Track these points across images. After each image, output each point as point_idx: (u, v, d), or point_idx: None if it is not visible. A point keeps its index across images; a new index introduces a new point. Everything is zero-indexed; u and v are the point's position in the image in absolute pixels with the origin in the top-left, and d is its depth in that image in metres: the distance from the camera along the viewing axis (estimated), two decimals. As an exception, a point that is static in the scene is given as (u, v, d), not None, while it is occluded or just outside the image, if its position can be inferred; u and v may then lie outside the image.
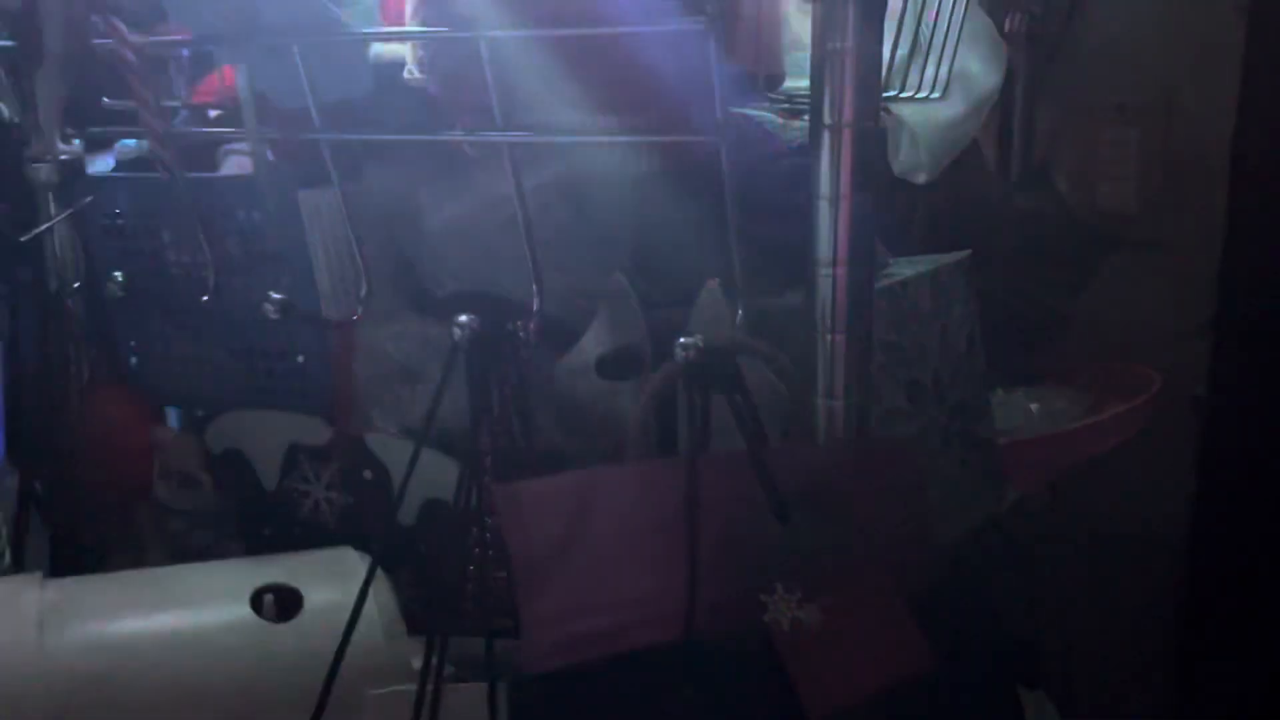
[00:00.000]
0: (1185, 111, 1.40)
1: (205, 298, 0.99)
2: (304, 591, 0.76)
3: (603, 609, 0.62)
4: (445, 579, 0.80)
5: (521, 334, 0.83)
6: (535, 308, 0.85)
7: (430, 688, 0.74)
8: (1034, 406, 1.02)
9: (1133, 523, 1.39)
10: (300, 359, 0.97)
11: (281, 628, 0.74)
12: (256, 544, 0.98)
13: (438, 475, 0.85)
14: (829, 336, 0.75)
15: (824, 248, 0.74)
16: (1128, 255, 1.34)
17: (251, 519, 0.99)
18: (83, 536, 1.04)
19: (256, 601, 0.75)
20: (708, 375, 0.75)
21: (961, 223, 1.11)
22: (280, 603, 0.76)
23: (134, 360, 1.06)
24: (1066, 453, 1.01)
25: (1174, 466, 1.39)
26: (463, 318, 0.76)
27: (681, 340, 0.72)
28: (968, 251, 0.93)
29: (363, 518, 0.92)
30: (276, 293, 0.88)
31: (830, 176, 0.73)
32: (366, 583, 0.71)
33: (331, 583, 0.78)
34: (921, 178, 1.01)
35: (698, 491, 0.65)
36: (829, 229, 0.73)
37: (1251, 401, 1.37)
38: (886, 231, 0.91)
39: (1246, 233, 1.40)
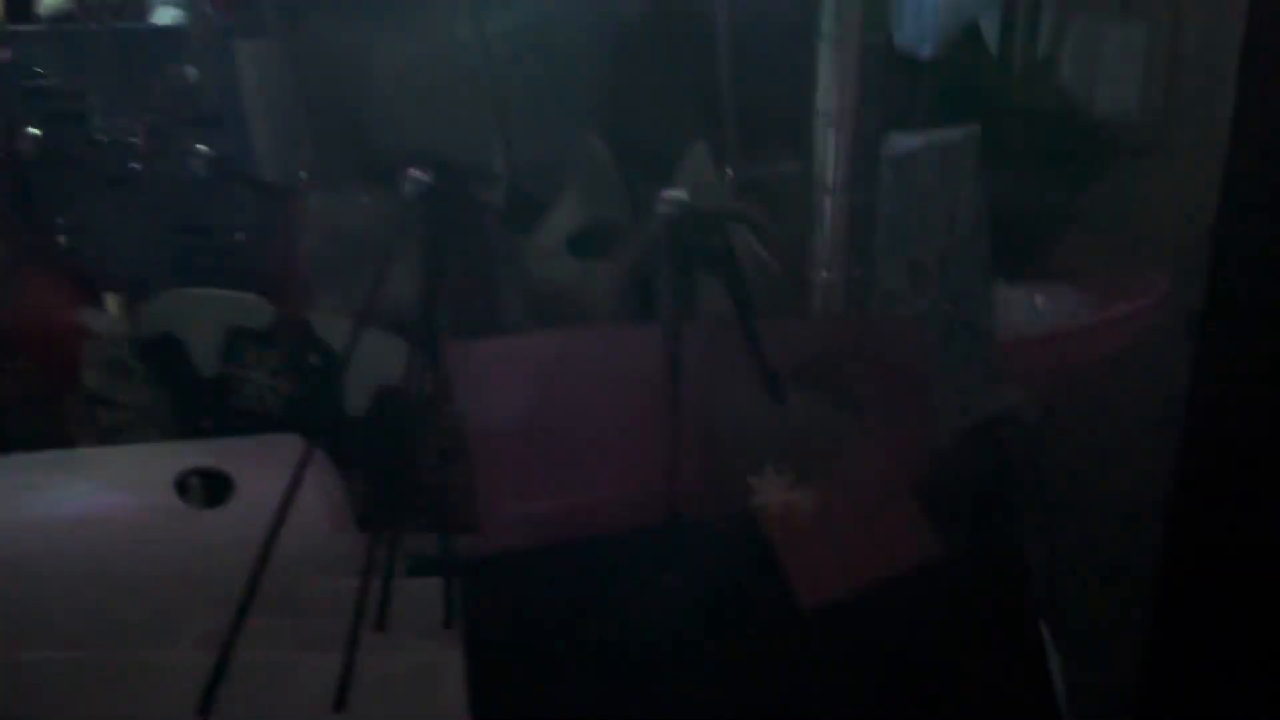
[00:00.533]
0: (1193, 12, 1.33)
1: (136, 165, 0.90)
2: (236, 477, 0.68)
3: (572, 485, 0.54)
4: (398, 468, 0.72)
5: (483, 199, 0.74)
6: (500, 173, 0.76)
7: (379, 583, 0.67)
8: (1038, 301, 0.95)
9: (1123, 444, 1.34)
10: (241, 234, 0.89)
11: (209, 514, 0.66)
12: (194, 437, 0.89)
13: (391, 360, 0.77)
14: (828, 199, 0.67)
15: (826, 96, 0.66)
16: (1130, 158, 1.27)
17: (188, 409, 0.90)
18: (2, 432, 0.96)
19: (182, 486, 0.67)
20: (693, 243, 0.67)
21: (964, 107, 1.02)
22: (209, 488, 0.68)
23: (59, 236, 0.96)
24: (1069, 353, 0.95)
25: (1167, 384, 1.34)
26: (415, 172, 0.68)
27: (665, 194, 0.64)
28: (977, 125, 0.86)
29: (309, 407, 0.84)
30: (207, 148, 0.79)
31: (835, 14, 0.65)
32: (300, 466, 0.63)
33: (270, 470, 0.70)
34: (926, 50, 0.93)
35: (681, 360, 0.58)
36: (832, 74, 0.65)
37: (1250, 315, 1.31)
38: (888, 106, 0.83)
39: (1252, 139, 1.34)
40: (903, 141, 0.82)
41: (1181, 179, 1.31)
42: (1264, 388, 1.35)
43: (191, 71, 0.84)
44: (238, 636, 0.61)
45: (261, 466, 0.70)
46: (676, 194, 0.64)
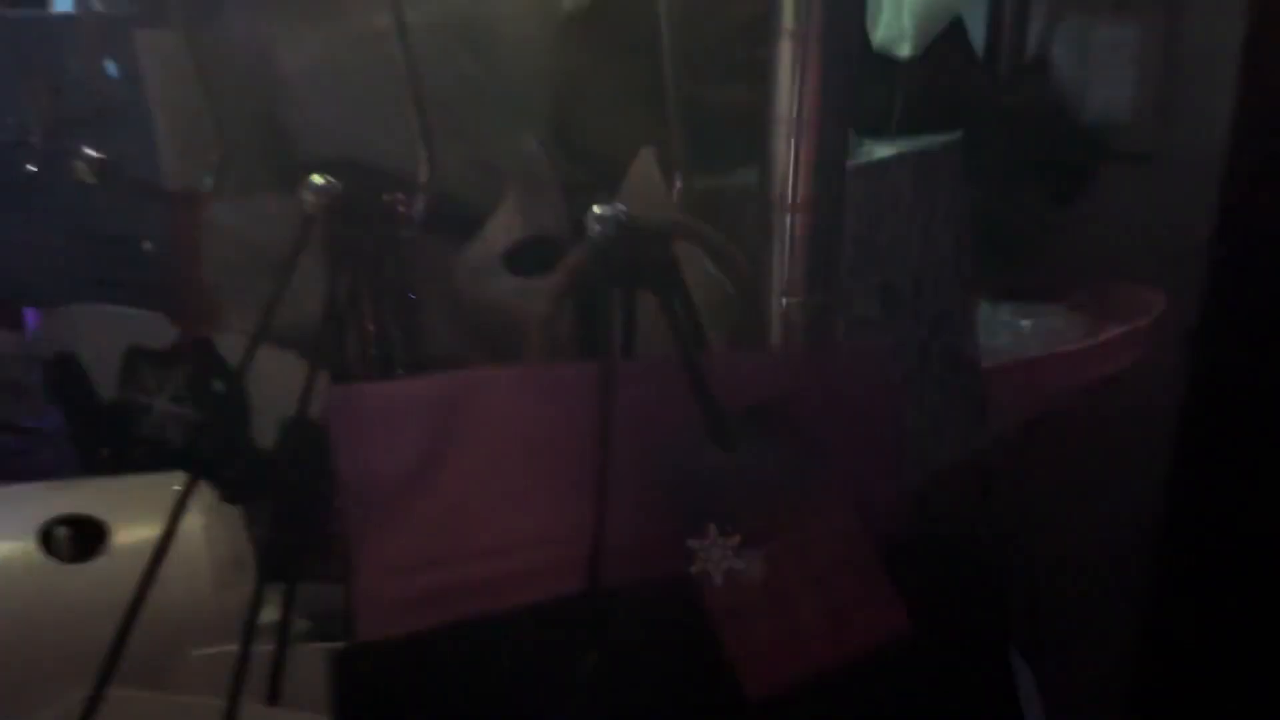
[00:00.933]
0: (1189, 12, 1.27)
1: (32, 168, 0.81)
2: (111, 525, 0.60)
3: (477, 554, 0.46)
4: (300, 510, 0.64)
5: (401, 209, 0.66)
6: (423, 180, 0.68)
7: (274, 647, 0.59)
8: (1025, 324, 0.88)
9: (1112, 467, 1.27)
10: (147, 245, 0.81)
11: (77, 568, 0.58)
12: (93, 466, 0.81)
13: (300, 388, 0.69)
14: (788, 216, 0.59)
15: (785, 100, 0.58)
16: (1123, 165, 1.20)
17: (86, 436, 0.82)
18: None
19: (47, 535, 0.59)
20: (634, 263, 0.59)
21: (946, 113, 0.95)
22: (80, 537, 0.59)
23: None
24: (1060, 380, 0.88)
25: (1160, 403, 1.27)
26: (317, 179, 0.59)
27: (597, 210, 0.56)
28: (959, 133, 0.78)
29: (211, 437, 0.76)
30: (94, 151, 0.70)
31: (796, 7, 0.57)
32: (178, 506, 0.55)
33: (152, 515, 0.61)
34: (905, 50, 0.86)
35: (614, 404, 0.50)
36: (793, 75, 0.57)
37: (1248, 330, 1.25)
38: (861, 112, 0.75)
39: (1251, 145, 1.27)
40: (875, 150, 0.75)
41: (1178, 186, 1.24)
42: (1262, 407, 1.28)
43: (87, 64, 0.76)
44: (96, 715, 0.53)
45: (142, 511, 0.62)
46: (611, 210, 0.55)
